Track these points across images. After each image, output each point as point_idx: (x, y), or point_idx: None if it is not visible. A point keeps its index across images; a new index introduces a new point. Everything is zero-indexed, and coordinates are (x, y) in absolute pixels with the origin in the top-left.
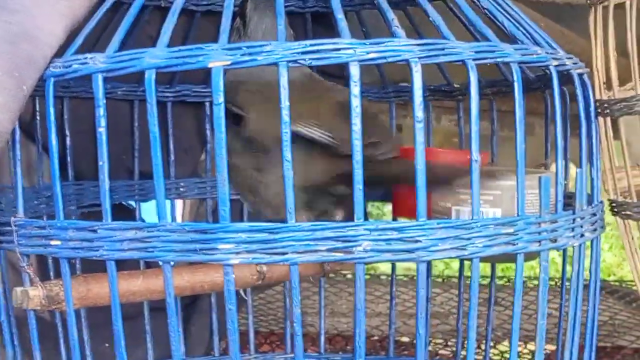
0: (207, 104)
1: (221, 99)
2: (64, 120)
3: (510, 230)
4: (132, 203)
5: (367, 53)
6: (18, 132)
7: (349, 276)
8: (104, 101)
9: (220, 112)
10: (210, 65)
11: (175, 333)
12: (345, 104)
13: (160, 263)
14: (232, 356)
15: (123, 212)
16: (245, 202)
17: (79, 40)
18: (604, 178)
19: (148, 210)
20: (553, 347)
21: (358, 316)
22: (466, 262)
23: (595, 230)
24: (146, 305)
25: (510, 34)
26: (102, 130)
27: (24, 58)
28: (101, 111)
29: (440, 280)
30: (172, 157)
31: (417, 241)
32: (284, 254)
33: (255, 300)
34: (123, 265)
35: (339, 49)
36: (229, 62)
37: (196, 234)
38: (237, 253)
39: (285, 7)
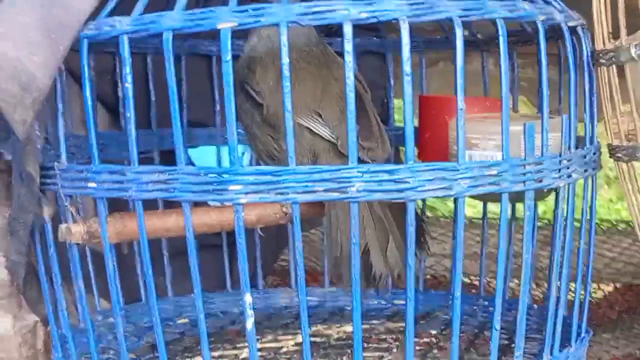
0: None
1: (229, 57)
2: (116, 73)
3: (494, 172)
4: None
5: (360, 13)
6: (59, 87)
7: None
8: (130, 60)
9: (228, 69)
10: (219, 26)
11: (194, 265)
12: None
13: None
14: (242, 286)
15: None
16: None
17: (111, 4)
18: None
19: (204, 157)
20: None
21: (354, 250)
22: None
23: (586, 171)
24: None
25: None
26: (128, 86)
27: (59, 22)
28: (127, 69)
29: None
30: (217, 107)
31: (406, 182)
32: (286, 193)
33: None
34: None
35: (334, 10)
36: (236, 23)
37: (210, 177)
38: (246, 193)
39: None
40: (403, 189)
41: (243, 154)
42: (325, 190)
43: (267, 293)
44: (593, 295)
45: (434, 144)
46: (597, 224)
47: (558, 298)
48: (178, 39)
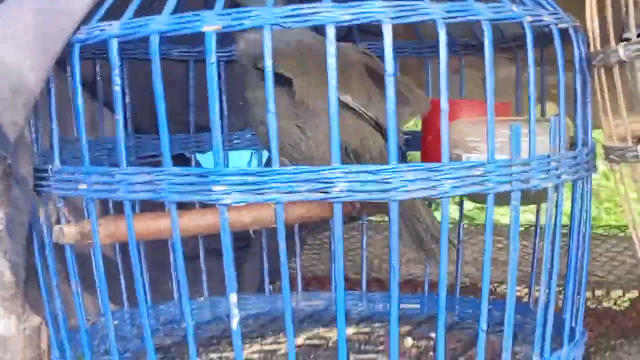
0: None
1: (213, 59)
2: (123, 80)
3: (479, 172)
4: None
5: (343, 15)
6: (53, 90)
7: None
8: (119, 63)
9: (213, 72)
10: (204, 29)
11: (182, 267)
12: (373, 69)
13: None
14: (228, 286)
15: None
16: (288, 159)
17: (102, 11)
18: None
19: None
20: None
21: (337, 253)
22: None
23: (577, 172)
24: (202, 246)
25: None
26: (117, 88)
27: (52, 28)
28: (117, 71)
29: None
30: (226, 112)
31: (388, 182)
32: (269, 194)
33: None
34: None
35: (318, 12)
36: (220, 27)
37: (195, 178)
38: (230, 194)
39: None
40: (387, 189)
41: (251, 155)
42: (309, 191)
43: (273, 297)
44: (619, 303)
45: (436, 147)
46: (622, 230)
47: (548, 298)
48: (188, 45)
